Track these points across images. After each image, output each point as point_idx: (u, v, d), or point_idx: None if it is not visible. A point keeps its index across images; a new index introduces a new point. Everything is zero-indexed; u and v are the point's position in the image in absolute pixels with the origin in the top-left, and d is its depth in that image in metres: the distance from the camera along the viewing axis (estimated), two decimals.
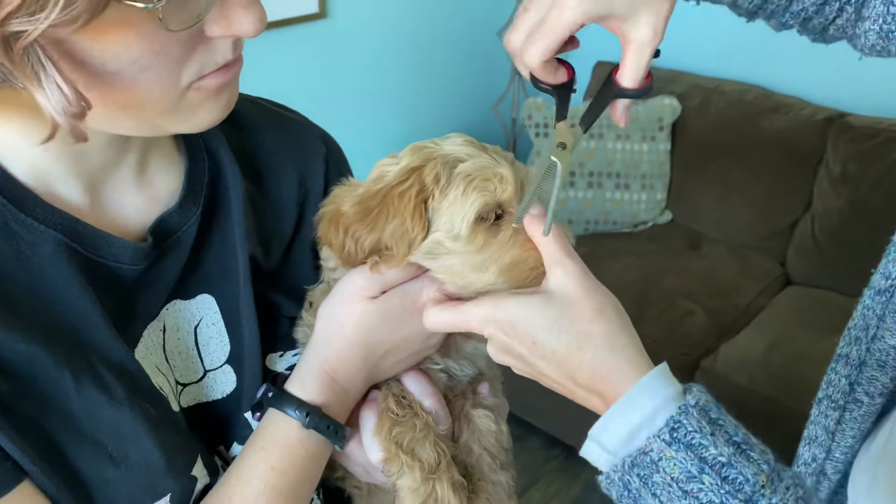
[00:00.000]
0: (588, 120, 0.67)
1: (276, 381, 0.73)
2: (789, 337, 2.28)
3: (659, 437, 0.56)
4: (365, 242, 0.66)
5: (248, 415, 0.72)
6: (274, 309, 0.75)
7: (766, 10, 0.82)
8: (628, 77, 0.64)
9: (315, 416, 0.68)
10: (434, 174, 0.66)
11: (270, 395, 0.69)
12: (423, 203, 0.66)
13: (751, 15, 0.84)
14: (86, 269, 0.59)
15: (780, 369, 2.17)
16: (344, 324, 0.70)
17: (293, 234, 0.77)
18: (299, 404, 0.68)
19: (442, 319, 0.67)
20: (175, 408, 0.66)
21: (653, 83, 0.65)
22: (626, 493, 0.58)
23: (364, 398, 0.74)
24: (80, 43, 0.47)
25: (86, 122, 0.49)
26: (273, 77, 2.08)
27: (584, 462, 0.61)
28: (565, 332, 0.61)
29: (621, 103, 0.67)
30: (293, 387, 0.70)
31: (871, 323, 0.83)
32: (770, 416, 2.05)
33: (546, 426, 2.52)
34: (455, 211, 0.66)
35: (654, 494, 0.56)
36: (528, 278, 0.66)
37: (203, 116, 0.58)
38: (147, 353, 0.66)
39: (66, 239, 0.58)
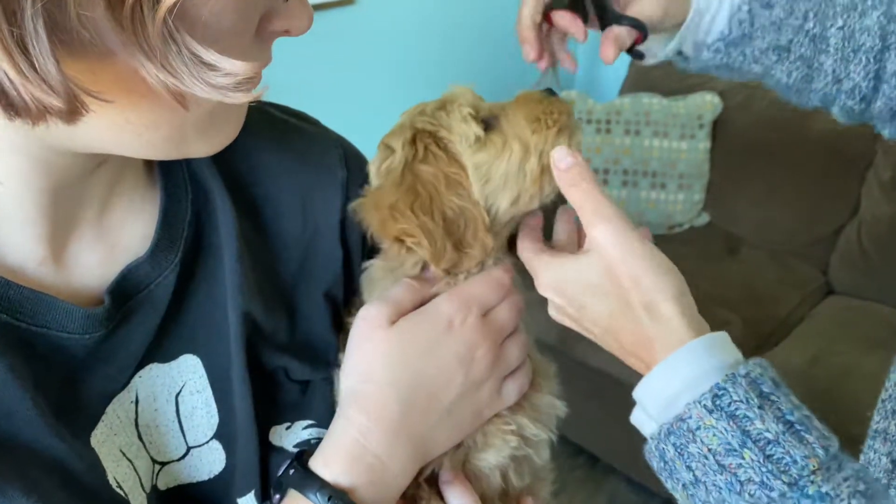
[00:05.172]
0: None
1: (303, 455, 0.61)
2: (832, 351, 2.17)
3: (700, 402, 0.51)
4: (445, 208, 0.63)
5: (242, 500, 0.60)
6: (280, 373, 0.63)
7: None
8: None
9: (338, 502, 0.56)
10: (422, 121, 0.67)
11: (292, 472, 0.58)
12: (445, 147, 0.65)
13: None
14: (20, 344, 0.47)
15: (823, 386, 2.06)
16: (368, 367, 0.60)
17: (300, 281, 0.65)
18: (321, 486, 0.56)
19: (526, 252, 0.65)
20: (140, 503, 0.54)
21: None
22: (662, 464, 0.53)
23: None
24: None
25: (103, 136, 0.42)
26: (298, 66, 2.01)
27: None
28: (608, 297, 0.59)
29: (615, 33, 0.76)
30: (316, 463, 0.59)
31: None
32: None
33: (571, 434, 2.43)
34: (455, 128, 0.65)
35: (688, 467, 0.51)
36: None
37: (228, 131, 0.49)
38: (110, 434, 0.54)
39: None
